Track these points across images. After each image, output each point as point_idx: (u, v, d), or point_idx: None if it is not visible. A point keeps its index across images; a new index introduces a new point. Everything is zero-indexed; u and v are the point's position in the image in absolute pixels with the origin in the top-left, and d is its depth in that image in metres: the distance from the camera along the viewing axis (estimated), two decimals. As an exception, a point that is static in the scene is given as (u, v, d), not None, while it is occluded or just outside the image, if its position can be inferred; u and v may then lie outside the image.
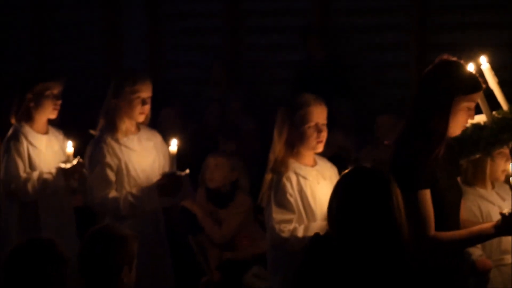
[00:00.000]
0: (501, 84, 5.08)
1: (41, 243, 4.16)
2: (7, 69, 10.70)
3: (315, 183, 5.26)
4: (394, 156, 4.60)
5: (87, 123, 6.55)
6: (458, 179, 4.73)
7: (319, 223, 5.11)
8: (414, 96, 4.63)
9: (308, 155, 5.30)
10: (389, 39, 9.32)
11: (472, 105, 4.54)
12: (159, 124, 7.86)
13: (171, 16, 10.38)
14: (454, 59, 4.57)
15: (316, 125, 5.22)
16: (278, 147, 5.22)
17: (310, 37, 9.27)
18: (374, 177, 3.87)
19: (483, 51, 8.65)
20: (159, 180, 5.76)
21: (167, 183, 5.73)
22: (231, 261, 6.53)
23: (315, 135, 5.21)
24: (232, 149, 7.48)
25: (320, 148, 5.29)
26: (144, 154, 5.87)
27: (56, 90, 6.12)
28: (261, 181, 7.08)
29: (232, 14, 10.03)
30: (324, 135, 5.25)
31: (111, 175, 5.75)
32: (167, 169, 5.84)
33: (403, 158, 4.50)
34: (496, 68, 8.36)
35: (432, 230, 4.43)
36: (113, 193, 5.74)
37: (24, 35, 11.22)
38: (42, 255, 4.07)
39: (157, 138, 6.03)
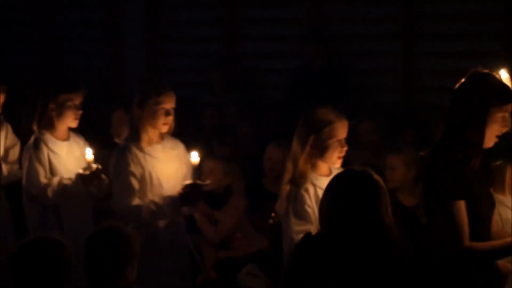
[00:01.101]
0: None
1: (44, 241, 4.15)
2: (8, 68, 10.79)
3: None
4: (429, 167, 4.54)
5: (88, 126, 6.59)
6: (491, 190, 4.67)
7: None
8: (447, 108, 4.52)
9: (324, 166, 5.21)
10: (377, 46, 9.37)
11: (507, 115, 4.45)
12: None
13: (171, 22, 10.40)
14: (486, 70, 4.49)
15: (340, 140, 5.16)
16: (301, 160, 5.11)
17: (310, 44, 9.32)
18: (363, 179, 3.91)
19: (469, 59, 8.80)
20: (181, 190, 5.66)
21: (189, 193, 5.65)
22: (226, 260, 6.56)
23: (338, 149, 5.15)
24: (227, 153, 7.48)
25: (339, 163, 5.22)
26: (167, 163, 5.78)
27: (77, 101, 6.06)
28: (257, 183, 7.15)
29: (230, 22, 10.08)
30: (345, 150, 5.20)
31: (135, 183, 5.67)
32: (189, 178, 5.75)
33: (439, 169, 4.42)
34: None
35: (467, 240, 4.35)
36: (136, 201, 5.65)
37: (25, 38, 11.27)
38: (46, 253, 4.07)
39: (180, 147, 5.94)
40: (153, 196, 5.68)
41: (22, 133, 7.59)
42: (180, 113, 8.91)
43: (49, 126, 6.05)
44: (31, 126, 6.32)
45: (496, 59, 8.42)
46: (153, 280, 5.64)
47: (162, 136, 5.82)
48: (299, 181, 5.11)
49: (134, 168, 5.66)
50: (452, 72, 8.82)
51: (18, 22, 11.30)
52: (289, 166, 5.17)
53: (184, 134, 7.96)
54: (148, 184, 5.70)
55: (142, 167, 5.69)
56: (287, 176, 5.17)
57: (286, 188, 5.18)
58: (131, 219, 5.66)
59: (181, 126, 8.52)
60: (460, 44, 8.95)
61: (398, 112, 9.08)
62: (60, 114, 6.03)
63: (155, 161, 5.73)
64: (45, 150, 6.00)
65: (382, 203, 3.85)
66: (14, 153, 6.62)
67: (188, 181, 5.67)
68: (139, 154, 5.69)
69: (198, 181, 5.64)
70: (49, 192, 5.92)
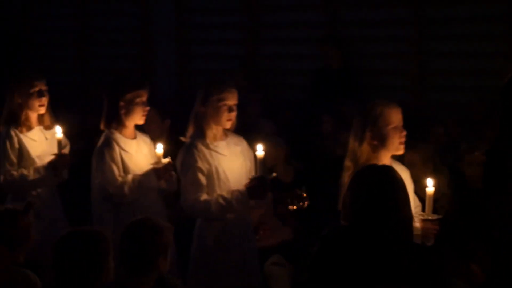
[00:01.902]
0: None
1: (84, 232, 4.21)
2: (52, 68, 10.89)
3: None
4: (488, 164, 4.46)
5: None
6: None
7: None
8: (499, 106, 4.41)
9: (387, 159, 5.01)
10: (391, 48, 9.36)
11: None
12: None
13: (198, 27, 10.44)
14: None
15: (396, 126, 4.98)
16: (361, 153, 4.93)
17: (328, 47, 9.32)
18: (383, 173, 3.94)
19: (478, 60, 8.79)
20: (249, 183, 5.50)
21: (256, 186, 5.46)
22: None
23: (397, 135, 4.97)
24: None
25: (402, 148, 5.05)
26: (232, 159, 5.65)
27: (144, 97, 5.83)
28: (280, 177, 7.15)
29: (253, 26, 10.08)
30: (404, 135, 5.01)
31: (203, 179, 5.52)
32: (253, 173, 5.63)
33: (499, 166, 4.32)
34: (492, 75, 8.41)
35: None
36: (204, 196, 5.50)
37: (63, 44, 11.37)
38: (85, 244, 4.12)
39: (243, 143, 5.82)
40: (220, 191, 5.54)
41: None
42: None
43: (118, 124, 5.84)
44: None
45: (504, 60, 8.47)
46: (222, 274, 5.58)
47: (225, 133, 5.71)
48: None
49: (201, 164, 5.52)
50: (462, 72, 8.88)
51: (57, 29, 11.41)
52: (348, 163, 4.98)
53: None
54: (215, 180, 5.55)
55: (209, 163, 5.55)
56: (347, 173, 4.97)
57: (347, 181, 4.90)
58: (200, 214, 5.59)
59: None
60: (469, 45, 8.92)
61: (411, 111, 9.05)
62: (129, 111, 5.80)
63: (221, 157, 5.59)
64: (116, 149, 5.78)
65: (401, 196, 3.86)
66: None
67: (255, 175, 5.53)
68: (205, 151, 5.56)
69: (264, 175, 5.48)
70: (126, 190, 5.71)
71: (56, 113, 6.50)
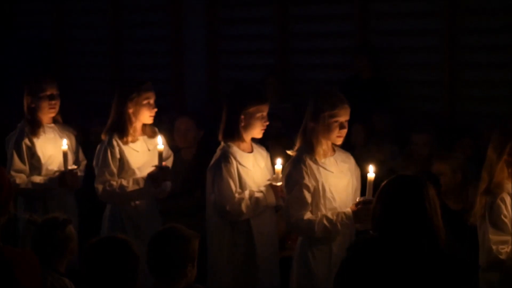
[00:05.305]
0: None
1: (114, 240, 4.20)
2: (86, 77, 11.05)
3: None
4: None
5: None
6: None
7: None
8: None
9: None
10: (423, 58, 9.33)
11: None
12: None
13: (228, 38, 10.49)
14: None
15: None
16: (497, 169, 4.83)
17: (359, 56, 9.30)
18: (412, 183, 3.94)
19: (510, 70, 8.73)
20: (355, 206, 5.29)
21: (363, 210, 5.19)
22: (283, 258, 6.51)
23: None
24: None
25: None
26: (340, 176, 5.41)
27: (265, 112, 5.66)
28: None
29: (283, 36, 10.11)
30: None
31: (308, 197, 5.31)
32: (359, 192, 5.48)
33: None
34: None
35: None
36: (308, 215, 5.30)
37: (97, 54, 11.50)
38: (116, 251, 4.11)
39: (351, 160, 5.57)
40: (325, 209, 5.35)
41: (91, 140, 7.57)
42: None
43: (235, 138, 5.67)
44: (100, 133, 6.20)
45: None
46: None
47: (333, 148, 5.49)
48: (495, 191, 4.84)
49: (308, 181, 5.31)
50: (495, 82, 8.82)
51: (91, 39, 11.54)
52: (485, 176, 4.88)
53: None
54: (321, 197, 5.35)
55: (316, 180, 5.33)
56: (483, 186, 4.88)
57: (483, 198, 4.88)
58: (303, 233, 5.42)
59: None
60: (502, 55, 8.86)
61: (443, 121, 9.02)
62: (248, 125, 5.63)
63: (328, 174, 5.37)
64: (234, 163, 5.60)
65: (430, 205, 3.86)
66: (168, 165, 6.21)
67: (363, 197, 5.32)
68: (313, 166, 5.34)
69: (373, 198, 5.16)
70: (243, 207, 5.55)
71: (88, 122, 6.50)
